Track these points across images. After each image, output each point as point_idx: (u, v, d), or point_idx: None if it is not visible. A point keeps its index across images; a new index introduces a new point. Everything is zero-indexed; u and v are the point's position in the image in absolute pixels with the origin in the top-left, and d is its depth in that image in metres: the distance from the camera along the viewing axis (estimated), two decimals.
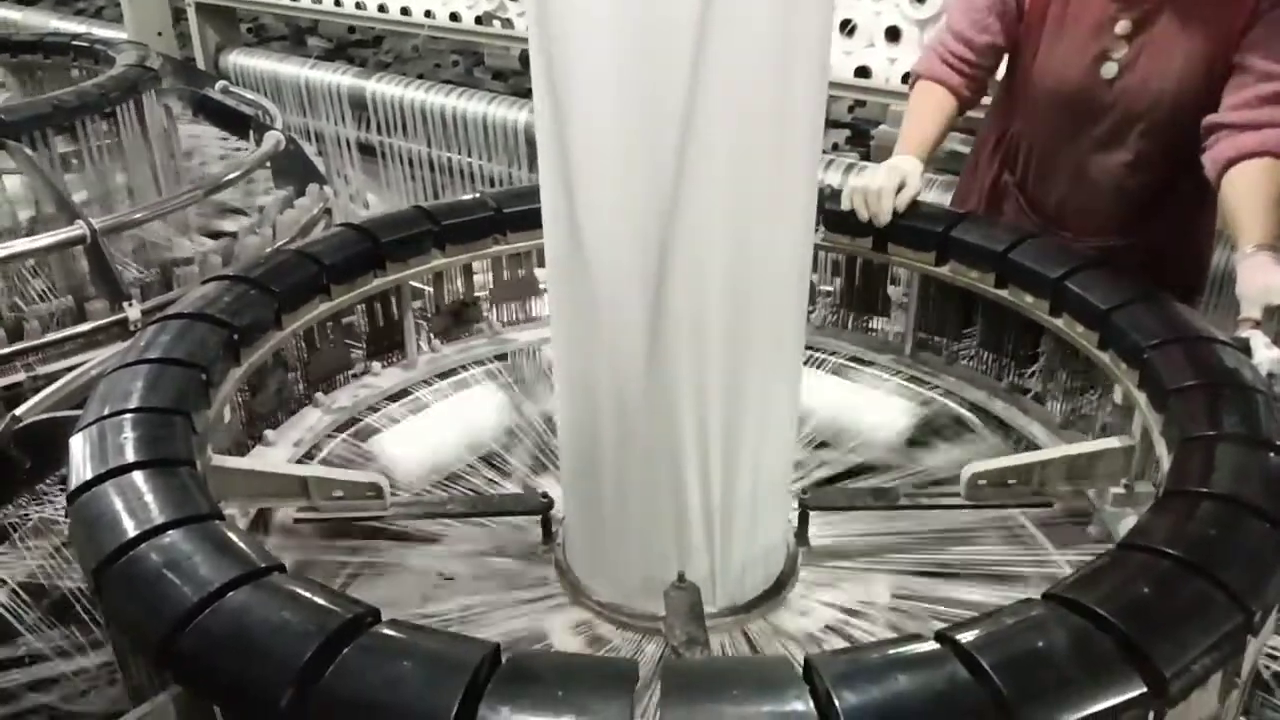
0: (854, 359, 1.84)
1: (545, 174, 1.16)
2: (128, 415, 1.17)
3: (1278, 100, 1.61)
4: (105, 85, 2.69)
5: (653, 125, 1.05)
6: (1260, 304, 1.43)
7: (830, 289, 1.93)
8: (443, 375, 1.77)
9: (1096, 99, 1.76)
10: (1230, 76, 1.66)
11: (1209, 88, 1.67)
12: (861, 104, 4.02)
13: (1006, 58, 1.89)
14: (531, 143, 3.59)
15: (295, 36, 5.23)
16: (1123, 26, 1.71)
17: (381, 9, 3.81)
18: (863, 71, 2.75)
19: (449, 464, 1.60)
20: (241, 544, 0.96)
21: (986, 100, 2.00)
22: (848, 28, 2.74)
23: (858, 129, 4.50)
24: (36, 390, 1.72)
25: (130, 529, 0.98)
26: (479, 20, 3.57)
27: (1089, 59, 1.74)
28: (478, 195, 1.86)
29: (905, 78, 2.69)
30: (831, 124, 4.53)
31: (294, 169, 2.94)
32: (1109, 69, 1.73)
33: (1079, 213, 1.87)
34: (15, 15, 5.46)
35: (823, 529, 1.43)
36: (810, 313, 1.88)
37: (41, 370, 2.18)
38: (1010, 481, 1.40)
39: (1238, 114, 1.63)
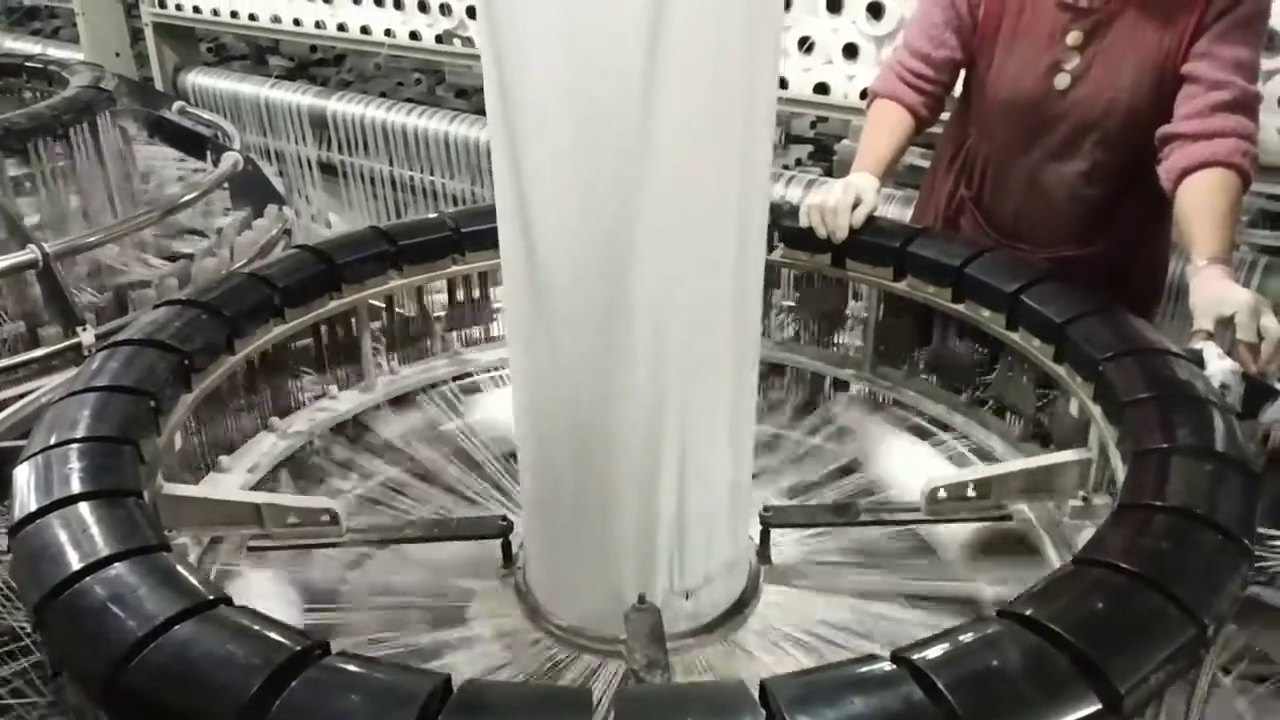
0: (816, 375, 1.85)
1: (500, 197, 1.16)
2: (74, 445, 1.14)
3: (1228, 109, 1.64)
4: (58, 107, 2.65)
5: (606, 149, 1.05)
6: (1212, 315, 1.44)
7: (791, 303, 1.93)
8: (399, 398, 1.76)
9: (1050, 109, 1.78)
10: (1181, 87, 1.68)
11: (1160, 97, 1.70)
12: (824, 120, 4.05)
13: (963, 73, 1.91)
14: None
15: (256, 55, 5.19)
16: (1074, 38, 1.73)
17: (341, 28, 3.79)
18: (821, 88, 2.77)
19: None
20: (187, 576, 0.94)
21: (945, 115, 2.02)
22: (805, 45, 2.75)
23: (820, 144, 4.54)
24: None
25: (73, 562, 0.96)
26: (439, 39, 3.56)
27: (1042, 70, 1.76)
28: (436, 215, 1.85)
29: (864, 94, 2.69)
30: (794, 139, 4.56)
31: (252, 190, 2.91)
32: (1061, 80, 1.75)
33: (1035, 225, 1.89)
34: None
35: (785, 546, 1.43)
36: (770, 324, 1.89)
37: None
38: (969, 495, 1.41)
39: (1190, 124, 1.65)
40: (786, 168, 4.44)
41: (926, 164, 3.60)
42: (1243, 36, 1.66)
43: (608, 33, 1.02)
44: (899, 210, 2.70)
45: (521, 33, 1.05)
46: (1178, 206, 1.65)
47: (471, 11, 3.43)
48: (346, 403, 1.72)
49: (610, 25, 1.01)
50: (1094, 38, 1.72)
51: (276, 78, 4.66)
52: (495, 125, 1.12)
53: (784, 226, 1.79)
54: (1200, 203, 1.60)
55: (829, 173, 4.34)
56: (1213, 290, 1.48)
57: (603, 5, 1.00)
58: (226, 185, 2.82)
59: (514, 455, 1.43)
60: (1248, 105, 1.67)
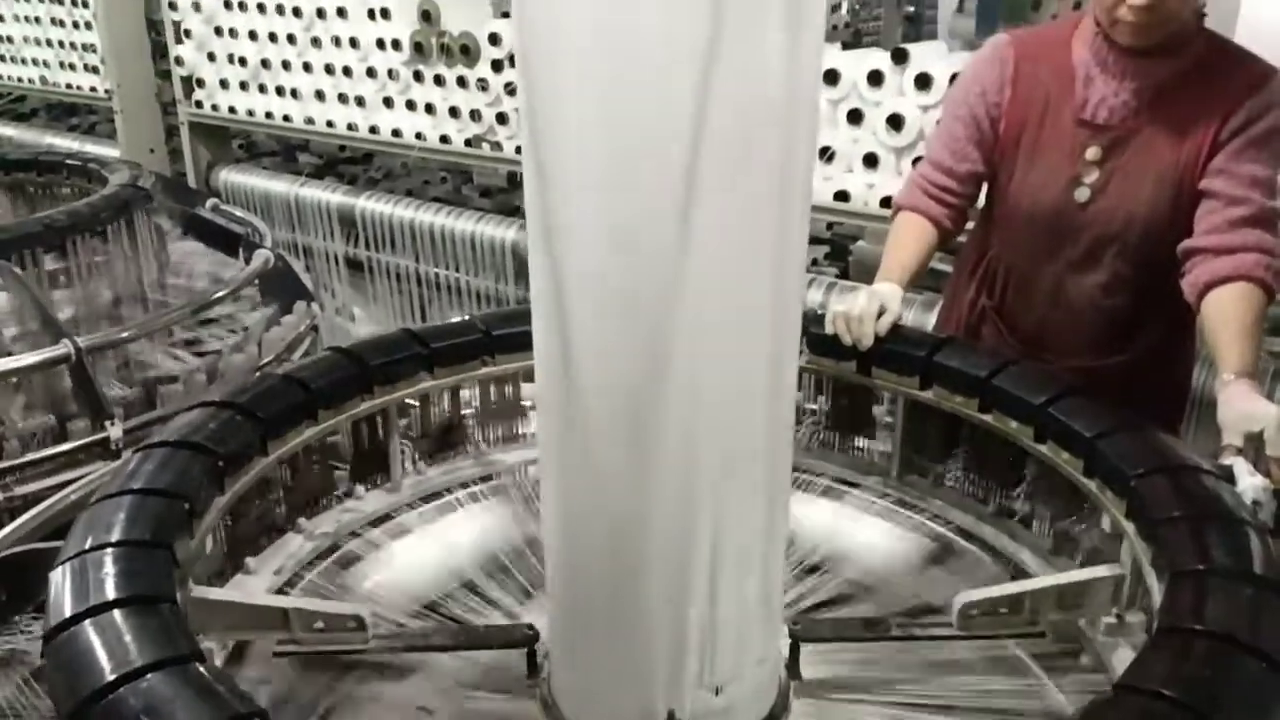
0: (840, 480, 1.85)
1: (538, 312, 1.18)
2: (109, 549, 1.15)
3: (1248, 224, 1.67)
4: (97, 205, 2.73)
5: (644, 263, 1.08)
6: (1241, 431, 1.45)
7: (815, 407, 1.94)
8: (427, 498, 1.76)
9: (1070, 222, 1.81)
10: (1199, 202, 1.72)
11: (1178, 212, 1.73)
12: (840, 221, 4.11)
13: (985, 184, 1.95)
14: (518, 258, 3.64)
15: (286, 153, 5.33)
16: (1093, 153, 1.77)
17: (373, 130, 3.89)
18: (842, 196, 2.82)
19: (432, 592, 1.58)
20: (222, 689, 0.94)
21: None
22: (827, 154, 2.81)
23: (836, 245, 4.60)
24: (13, 512, 1.70)
25: (108, 671, 0.96)
26: (468, 143, 3.66)
27: (1062, 183, 1.80)
28: (466, 318, 1.88)
29: (884, 201, 2.76)
30: (811, 240, 4.62)
31: (281, 286, 2.96)
32: (1081, 193, 1.79)
33: (1058, 335, 1.90)
34: (9, 131, 5.55)
35: (815, 660, 1.41)
36: (796, 433, 1.89)
37: (19, 490, 2.15)
38: (1002, 610, 1.39)
39: (1210, 239, 1.68)
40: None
41: (948, 268, 3.67)
42: (1258, 154, 1.70)
43: (647, 152, 1.05)
44: (920, 315, 2.72)
45: (563, 152, 1.09)
46: (1203, 320, 1.67)
47: (501, 118, 3.53)
48: (373, 503, 1.72)
49: (650, 145, 1.04)
50: (1112, 153, 1.76)
51: (306, 175, 4.79)
52: (535, 240, 1.15)
53: (809, 333, 1.81)
54: (1225, 317, 1.62)
55: (845, 272, 4.39)
56: (1240, 405, 1.48)
57: (643, 127, 1.04)
58: (257, 281, 2.87)
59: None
60: (1267, 220, 1.70)
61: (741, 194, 1.08)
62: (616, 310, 1.11)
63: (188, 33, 4.34)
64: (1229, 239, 1.67)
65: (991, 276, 1.97)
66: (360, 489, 1.73)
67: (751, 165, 1.07)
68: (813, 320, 1.81)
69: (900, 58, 2.69)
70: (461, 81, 3.59)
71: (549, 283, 1.15)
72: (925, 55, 2.70)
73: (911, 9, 8.18)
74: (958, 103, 1.91)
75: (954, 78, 2.59)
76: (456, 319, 1.95)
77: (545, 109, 1.09)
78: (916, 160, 2.69)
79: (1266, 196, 1.70)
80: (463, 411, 1.85)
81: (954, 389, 1.67)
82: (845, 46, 6.46)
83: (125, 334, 2.48)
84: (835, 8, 5.86)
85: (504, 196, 4.56)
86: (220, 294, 2.68)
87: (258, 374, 2.12)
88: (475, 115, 3.59)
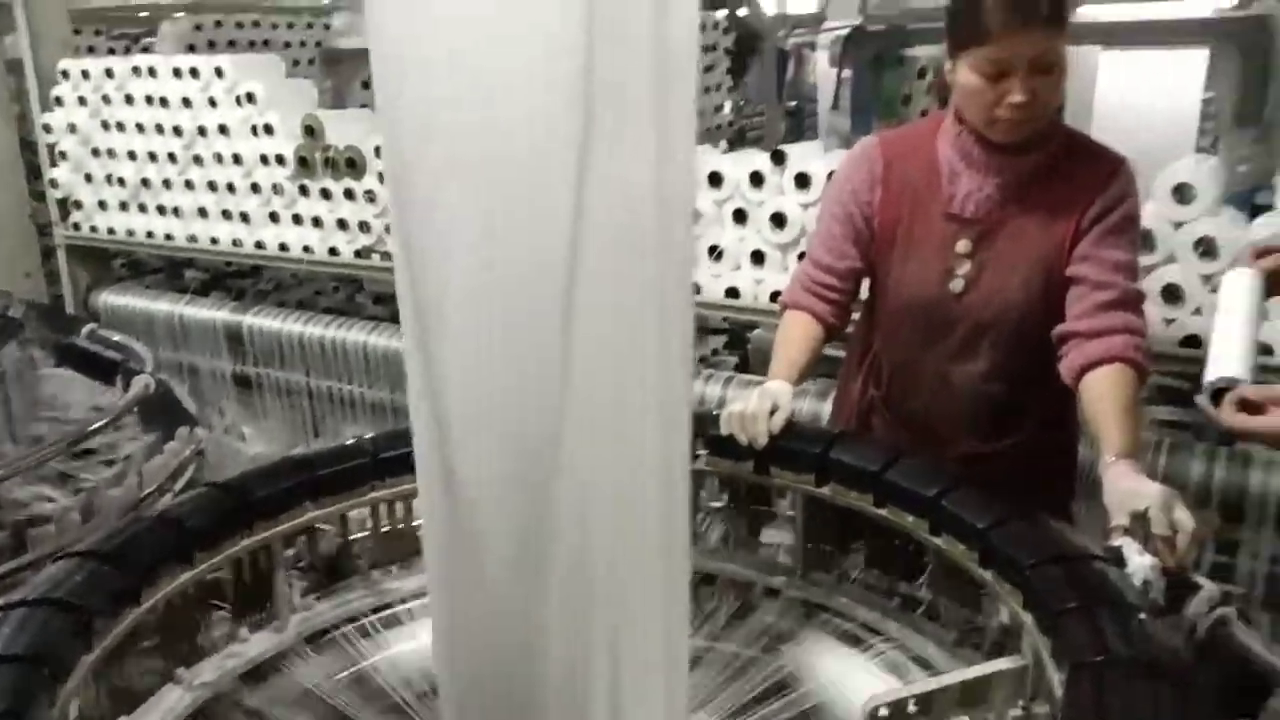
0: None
1: (417, 429, 1.15)
2: None
3: (1115, 307, 1.74)
4: None
5: (525, 376, 1.06)
6: (1126, 511, 1.47)
7: (719, 505, 1.92)
8: (316, 635, 1.67)
9: (947, 313, 1.86)
10: (1069, 289, 1.78)
11: (1049, 298, 1.80)
12: None
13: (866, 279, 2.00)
14: None
15: (172, 269, 5.20)
16: (963, 245, 1.83)
17: (259, 245, 3.83)
18: (732, 292, 2.87)
19: None
20: None
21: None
22: (715, 253, 2.86)
23: (734, 334, 4.67)
24: None
25: None
26: (358, 254, 3.62)
27: (936, 276, 1.85)
28: (354, 440, 1.83)
29: (773, 296, 2.80)
30: (709, 331, 4.69)
31: (163, 411, 2.84)
32: (956, 284, 1.84)
33: (945, 423, 1.93)
34: None
35: None
36: (701, 531, 1.87)
37: None
38: (911, 709, 1.37)
39: (1082, 323, 1.74)
40: (704, 359, 4.55)
41: (838, 353, 3.74)
42: (1117, 240, 1.78)
43: (522, 264, 1.04)
44: (815, 405, 2.75)
45: (435, 270, 1.07)
46: (1082, 403, 1.72)
47: (391, 228, 3.50)
48: (258, 646, 1.63)
49: (525, 257, 1.03)
50: (981, 245, 1.83)
51: (193, 291, 4.67)
52: (411, 355, 1.13)
53: (707, 434, 1.80)
54: (1102, 400, 1.67)
55: (744, 360, 4.45)
56: (1124, 486, 1.51)
57: (518, 238, 1.03)
58: (136, 409, 2.75)
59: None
60: (1133, 303, 1.77)
61: (621, 302, 1.07)
62: (498, 425, 1.08)
63: (63, 155, 4.24)
64: (1099, 322, 1.73)
65: (877, 367, 2.01)
66: (244, 630, 1.64)
67: (629, 274, 1.06)
68: (709, 421, 1.81)
69: (779, 159, 2.77)
70: (349, 194, 3.56)
71: (427, 405, 1.12)
72: (803, 155, 2.78)
73: (793, 103, 8.53)
74: (833, 202, 1.96)
75: (831, 176, 2.68)
76: (347, 438, 1.89)
77: (417, 230, 1.08)
78: (801, 256, 2.76)
79: (1130, 280, 1.77)
80: (352, 538, 1.78)
81: (849, 484, 1.68)
82: (731, 144, 6.69)
83: None
84: (719, 108, 6.06)
85: (397, 304, 4.51)
86: (96, 425, 2.55)
87: (132, 514, 2.00)
88: (364, 226, 3.57)
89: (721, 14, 6.15)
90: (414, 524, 1.80)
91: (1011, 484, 1.59)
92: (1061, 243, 1.79)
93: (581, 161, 1.01)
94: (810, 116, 8.12)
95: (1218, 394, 1.49)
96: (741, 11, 6.88)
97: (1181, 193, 2.28)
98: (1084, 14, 4.80)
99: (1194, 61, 4.73)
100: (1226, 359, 1.51)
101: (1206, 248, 2.27)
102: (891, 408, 1.99)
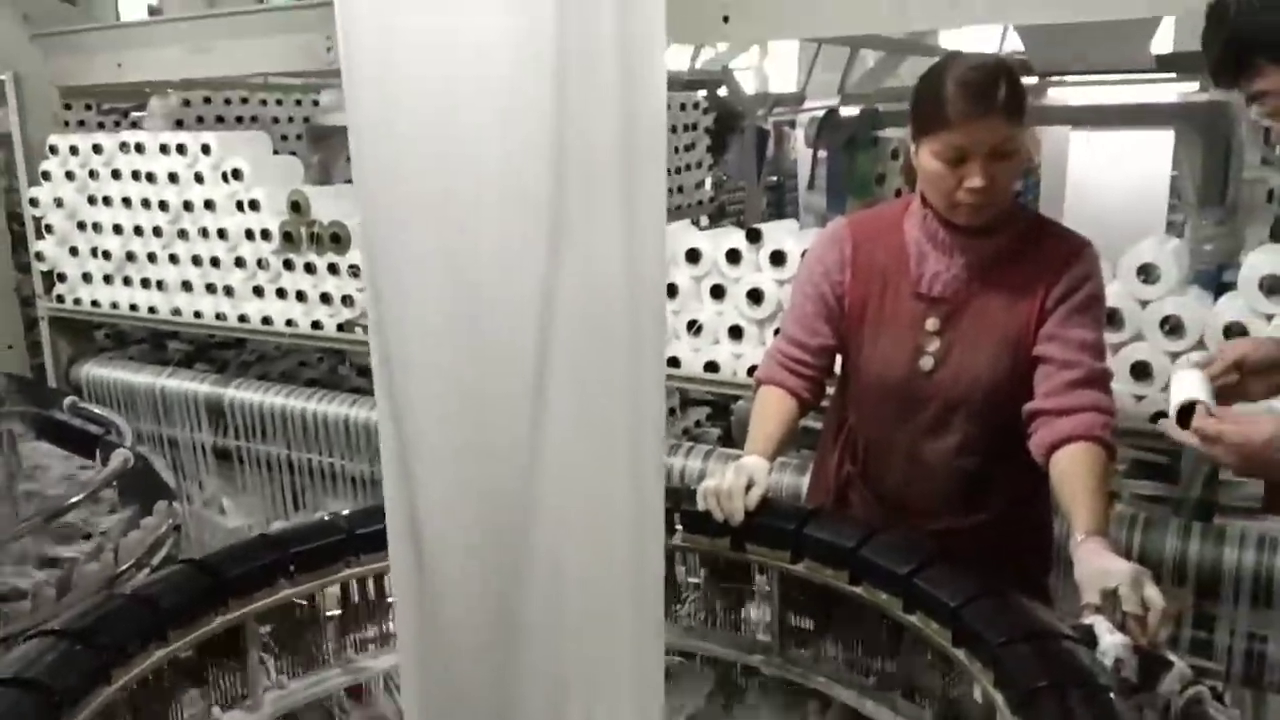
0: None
1: (390, 506, 1.16)
2: None
3: (1083, 385, 1.78)
4: None
5: (497, 460, 1.08)
6: (1097, 589, 1.49)
7: (697, 581, 1.93)
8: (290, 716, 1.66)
9: (918, 390, 1.89)
10: (1037, 368, 1.82)
11: (1017, 375, 1.84)
12: None
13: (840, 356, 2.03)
14: None
15: (155, 340, 5.20)
16: (932, 323, 1.88)
17: (242, 319, 3.84)
18: (711, 366, 2.89)
19: None
20: None
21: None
22: (694, 328, 2.90)
23: (716, 405, 4.69)
24: None
25: None
26: (341, 327, 3.64)
27: (907, 353, 1.89)
28: (328, 516, 1.83)
29: (750, 370, 2.83)
30: (691, 402, 4.71)
31: (141, 485, 2.83)
32: (925, 362, 1.88)
33: (919, 498, 1.96)
34: None
35: None
36: (678, 609, 1.87)
37: None
38: None
39: (1050, 401, 1.78)
40: (686, 431, 4.57)
41: (819, 424, 3.76)
42: (1082, 319, 1.83)
43: (495, 352, 1.07)
44: (794, 478, 2.77)
45: (410, 341, 1.09)
46: (1052, 481, 1.75)
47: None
48: None
49: (500, 335, 1.06)
50: (950, 323, 1.87)
51: (176, 362, 4.66)
52: (386, 442, 1.14)
53: (683, 510, 1.81)
54: (1072, 479, 1.70)
55: (727, 433, 4.46)
56: (1095, 564, 1.53)
57: (494, 311, 1.05)
58: (114, 483, 2.74)
59: None
60: (1100, 381, 1.81)
61: (592, 383, 1.09)
62: (471, 508, 1.10)
63: (49, 228, 4.27)
64: (1067, 400, 1.77)
65: (852, 443, 2.03)
66: (216, 710, 1.63)
67: (600, 355, 1.09)
68: (685, 497, 1.83)
69: (755, 237, 2.82)
70: (333, 268, 3.60)
71: (401, 489, 1.14)
72: (778, 234, 2.84)
73: (774, 179, 8.68)
74: (805, 281, 2.02)
75: (806, 254, 2.73)
76: (325, 512, 1.89)
77: (388, 307, 1.10)
78: (776, 332, 2.79)
79: (1096, 359, 1.81)
80: (327, 616, 1.77)
81: (824, 561, 1.69)
82: (711, 219, 6.78)
83: None
84: (699, 184, 6.16)
85: None
86: (74, 500, 2.54)
87: (106, 591, 1.99)
88: (347, 300, 3.59)
89: (702, 94, 6.28)
90: (389, 600, 1.80)
91: (985, 559, 1.61)
92: (1027, 322, 1.83)
93: (552, 243, 1.04)
94: (791, 192, 8.28)
95: (1184, 414, 1.55)
96: (721, 91, 7.03)
97: (1147, 272, 2.34)
98: (1054, 96, 4.96)
99: (1161, 142, 4.87)
100: (1190, 388, 1.58)
101: (1173, 326, 2.31)
102: (868, 483, 2.01)
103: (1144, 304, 2.35)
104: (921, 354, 1.88)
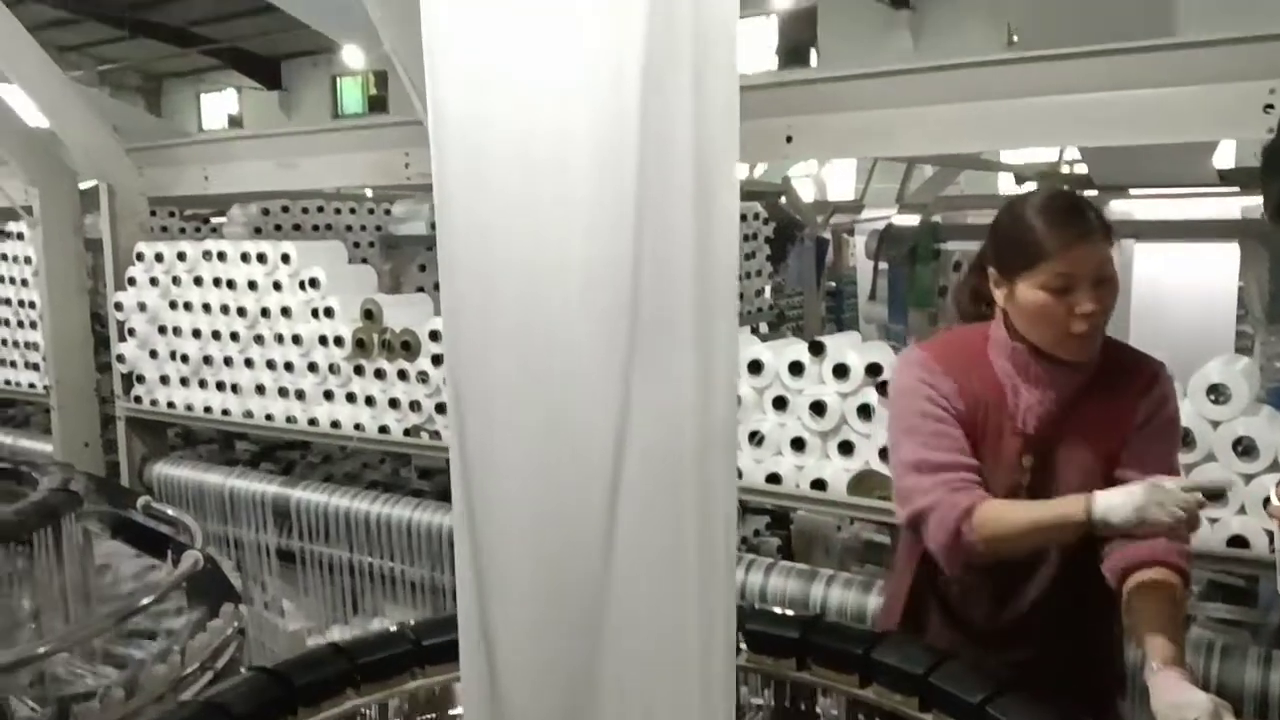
0: None
1: (464, 634, 1.18)
2: None
3: None
4: (26, 512, 2.68)
5: (569, 585, 1.10)
6: None
7: (760, 702, 1.90)
8: None
9: None
10: None
11: None
12: None
13: None
14: (454, 545, 3.59)
15: (223, 440, 5.34)
16: (1027, 460, 1.85)
17: (312, 422, 3.94)
18: (774, 478, 2.89)
19: None
20: None
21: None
22: (756, 439, 2.91)
23: (777, 514, 4.64)
24: None
25: None
26: (407, 432, 3.71)
27: (1003, 489, 1.83)
28: (396, 626, 1.85)
29: (814, 484, 2.83)
30: (751, 510, 4.67)
31: (209, 587, 2.88)
32: (1021, 498, 1.83)
33: (1001, 628, 1.90)
34: None
35: None
36: None
37: None
38: None
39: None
40: (745, 540, 4.53)
41: (883, 539, 3.71)
42: (1160, 445, 1.83)
43: (572, 485, 1.10)
44: (858, 596, 2.73)
45: (489, 459, 1.13)
46: (1125, 607, 1.72)
47: (440, 408, 3.60)
48: None
49: (576, 456, 1.09)
50: (1042, 459, 1.84)
51: (243, 462, 4.77)
52: (463, 569, 1.17)
53: (747, 629, 1.80)
54: (1146, 605, 1.67)
55: (787, 542, 4.41)
56: (1171, 696, 1.50)
57: (571, 432, 1.08)
58: (183, 585, 2.79)
59: None
60: None
61: (663, 521, 1.11)
62: (542, 628, 1.11)
63: (131, 331, 4.44)
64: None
65: (932, 568, 1.97)
66: None
67: (671, 495, 1.11)
68: (749, 616, 1.82)
69: (817, 350, 2.85)
70: (402, 374, 3.69)
71: (474, 604, 1.16)
72: (841, 346, 2.86)
73: (833, 284, 8.75)
74: (925, 410, 1.85)
75: (870, 368, 2.75)
76: (385, 617, 1.91)
77: (472, 438, 1.14)
78: (842, 445, 2.80)
79: None
80: None
81: (893, 686, 1.66)
82: (771, 327, 6.82)
83: (43, 649, 2.37)
84: (759, 292, 6.25)
85: (442, 478, 4.58)
86: (145, 602, 2.59)
87: (176, 699, 2.02)
88: (415, 406, 3.67)
89: (761, 204, 6.41)
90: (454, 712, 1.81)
91: (1059, 687, 1.58)
92: (1112, 451, 1.82)
93: (625, 383, 1.08)
94: (850, 299, 8.33)
95: None
96: (780, 200, 7.16)
97: (1217, 392, 2.32)
98: (1116, 209, 4.97)
99: (1226, 254, 4.84)
100: None
101: (1245, 447, 2.28)
102: (947, 610, 1.96)
103: (1215, 425, 2.33)
104: (1018, 491, 1.84)
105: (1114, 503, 1.65)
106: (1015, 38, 5.78)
